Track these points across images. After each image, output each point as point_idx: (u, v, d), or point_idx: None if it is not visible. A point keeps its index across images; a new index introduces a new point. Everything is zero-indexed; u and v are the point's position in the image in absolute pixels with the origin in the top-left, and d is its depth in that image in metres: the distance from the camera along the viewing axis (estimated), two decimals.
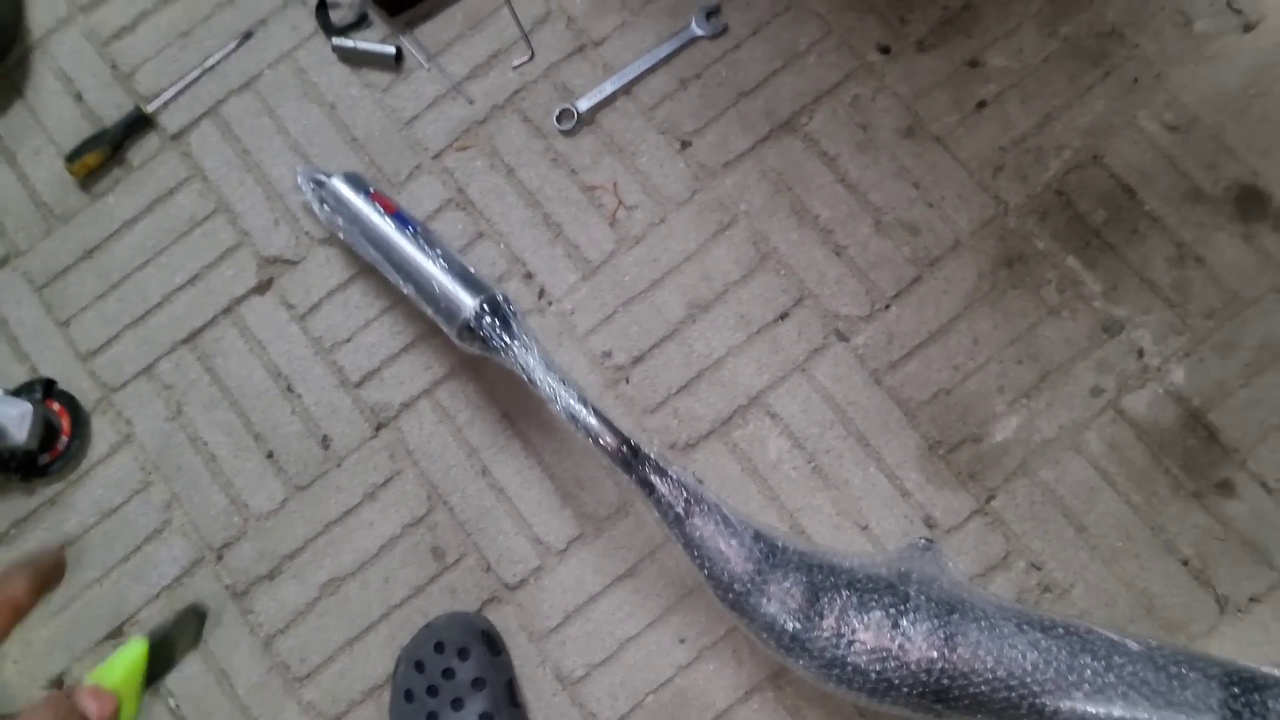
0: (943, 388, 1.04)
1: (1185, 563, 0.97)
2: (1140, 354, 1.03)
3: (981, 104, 1.10)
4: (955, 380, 1.04)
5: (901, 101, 1.11)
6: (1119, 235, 1.05)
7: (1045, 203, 1.07)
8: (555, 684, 1.00)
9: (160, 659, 0.54)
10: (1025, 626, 0.87)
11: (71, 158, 1.15)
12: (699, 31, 1.14)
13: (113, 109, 1.19)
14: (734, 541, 0.89)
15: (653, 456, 0.89)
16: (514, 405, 1.07)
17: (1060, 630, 0.87)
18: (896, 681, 0.86)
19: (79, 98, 1.21)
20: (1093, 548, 0.99)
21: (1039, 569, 0.99)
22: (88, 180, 1.17)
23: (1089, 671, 0.84)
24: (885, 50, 1.13)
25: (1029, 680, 0.84)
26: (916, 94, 1.11)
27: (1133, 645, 0.85)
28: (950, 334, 1.05)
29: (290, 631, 1.04)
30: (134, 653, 0.52)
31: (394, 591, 1.04)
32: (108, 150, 1.16)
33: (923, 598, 0.88)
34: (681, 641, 1.00)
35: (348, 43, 1.17)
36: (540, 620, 1.02)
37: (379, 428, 1.08)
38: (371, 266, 1.06)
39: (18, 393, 1.09)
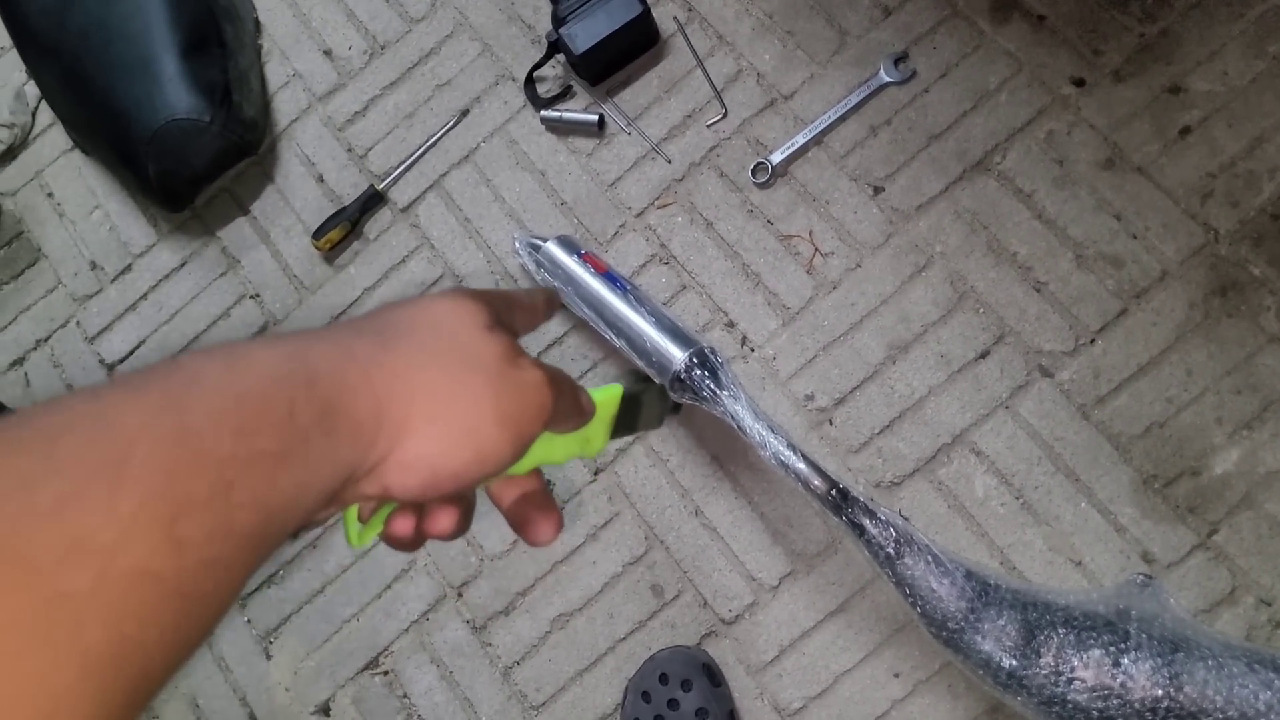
0: (1156, 421, 1.04)
1: None
2: None
3: (1185, 130, 1.11)
4: (1169, 413, 1.04)
5: (1099, 133, 1.13)
6: None
7: (1259, 227, 1.06)
8: (774, 715, 1.06)
9: (629, 413, 0.57)
10: (1257, 666, 0.87)
11: (317, 234, 1.31)
12: (887, 78, 1.19)
13: (350, 188, 1.35)
14: (946, 580, 0.93)
15: (861, 499, 0.95)
16: (722, 449, 1.14)
17: None
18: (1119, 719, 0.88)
19: (321, 179, 1.37)
20: None
21: (1269, 605, 0.98)
22: (331, 254, 1.33)
23: None
24: (1080, 83, 1.15)
25: None
26: (1115, 125, 1.12)
27: None
28: (1161, 366, 1.05)
29: (526, 663, 1.15)
30: (612, 392, 0.55)
31: (618, 626, 1.13)
32: (347, 226, 1.31)
33: (1144, 635, 0.90)
34: (896, 676, 1.05)
35: (554, 114, 1.28)
36: (756, 654, 1.08)
37: (598, 472, 1.18)
38: (585, 322, 1.16)
39: None
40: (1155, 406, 1.05)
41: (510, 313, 0.46)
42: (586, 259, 1.15)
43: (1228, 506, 1.01)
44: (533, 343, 1.23)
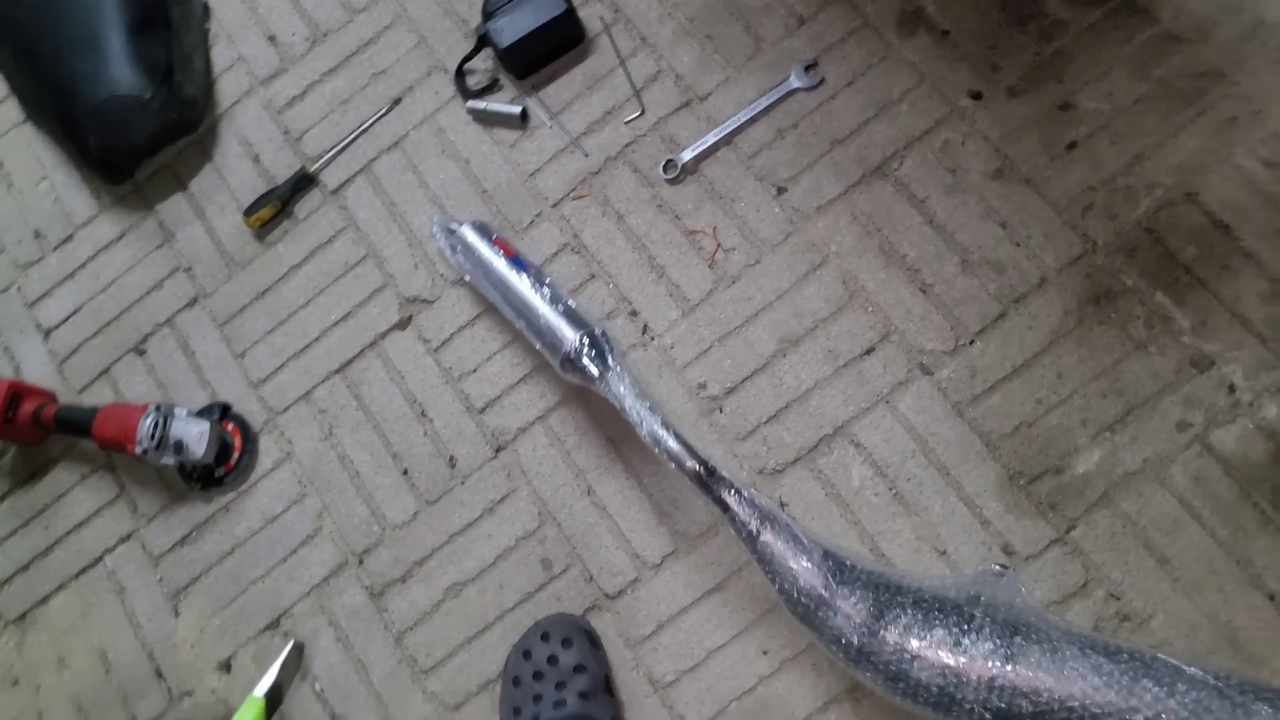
0: (1025, 420, 1.10)
1: (1272, 597, 1.00)
2: (1231, 389, 1.06)
3: (1072, 145, 1.17)
4: (1038, 413, 1.10)
5: (991, 145, 1.19)
6: (1210, 271, 1.09)
7: (1134, 240, 1.12)
8: (648, 686, 1.12)
9: (273, 701, 0.63)
10: (1089, 650, 0.92)
11: (248, 212, 1.38)
12: (797, 84, 1.26)
13: (284, 168, 1.41)
14: (804, 558, 0.99)
15: (727, 478, 1.01)
16: (617, 431, 1.20)
17: (1125, 656, 0.92)
18: (959, 698, 0.94)
19: (257, 159, 1.44)
20: (1175, 579, 1.03)
21: (1118, 598, 1.04)
22: (262, 231, 1.40)
23: (1149, 696, 0.89)
24: (977, 96, 1.21)
25: (1088, 702, 0.90)
26: (1006, 137, 1.19)
27: (1199, 674, 0.89)
28: (1034, 368, 1.11)
29: (418, 629, 1.20)
30: (253, 710, 0.60)
31: (507, 596, 1.18)
32: (278, 205, 1.38)
33: (987, 619, 0.96)
34: (765, 653, 1.10)
35: (480, 105, 1.35)
36: (636, 628, 1.14)
37: (498, 450, 1.24)
38: (493, 305, 1.22)
39: (200, 415, 1.30)
40: (1025, 407, 1.11)
41: None
42: (497, 243, 1.21)
43: (1086, 504, 1.07)
44: (441, 329, 1.29)
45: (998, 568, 1.05)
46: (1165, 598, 1.03)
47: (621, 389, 1.05)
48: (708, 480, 1.01)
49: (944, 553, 1.09)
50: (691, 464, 1.01)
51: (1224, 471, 1.04)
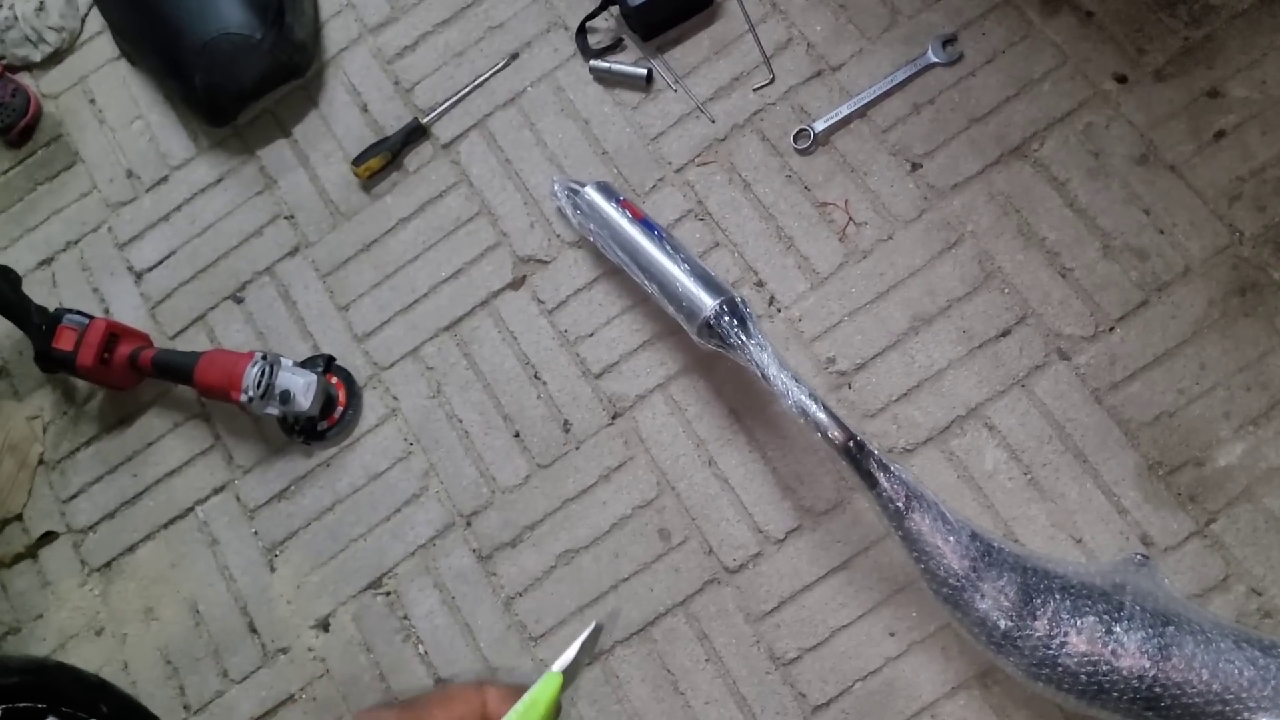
0: (1166, 410, 1.10)
1: None
2: None
3: (1220, 134, 1.16)
4: (1179, 404, 1.10)
5: (1136, 130, 1.18)
6: None
7: None
8: (769, 663, 1.11)
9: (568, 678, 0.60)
10: (1243, 644, 0.92)
11: (358, 161, 1.36)
12: (935, 59, 1.24)
13: (393, 119, 1.40)
14: (951, 538, 0.98)
15: (877, 453, 1.00)
16: (741, 403, 1.19)
17: None
18: (1107, 686, 0.93)
19: (365, 109, 1.42)
20: None
21: (1260, 594, 1.03)
22: (369, 182, 1.38)
23: None
24: (1122, 79, 1.20)
25: (1244, 696, 0.90)
26: (1152, 123, 1.18)
27: None
28: (1176, 358, 1.11)
29: (528, 595, 1.19)
30: (550, 683, 0.56)
31: (623, 566, 1.18)
32: (388, 156, 1.36)
33: (1138, 608, 0.95)
34: (892, 635, 1.09)
35: (603, 64, 1.33)
36: (757, 604, 1.13)
37: (615, 416, 1.23)
38: (616, 269, 1.21)
39: (303, 365, 1.29)
40: (1167, 396, 1.10)
41: None
42: (624, 205, 1.20)
43: (1228, 498, 1.06)
44: (557, 291, 1.28)
45: (1138, 557, 1.05)
46: None
47: (765, 357, 1.04)
48: (857, 454, 1.00)
49: (1080, 540, 1.09)
50: (841, 436, 1.00)
51: None
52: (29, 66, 1.56)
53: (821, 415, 1.01)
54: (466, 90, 1.38)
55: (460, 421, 1.27)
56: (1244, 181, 1.14)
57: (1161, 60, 1.20)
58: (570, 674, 0.56)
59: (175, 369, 1.29)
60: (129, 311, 1.42)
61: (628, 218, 1.18)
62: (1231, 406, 1.09)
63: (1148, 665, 0.92)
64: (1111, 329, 1.13)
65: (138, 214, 1.46)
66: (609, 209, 1.20)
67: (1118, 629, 0.94)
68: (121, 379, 1.34)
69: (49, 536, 1.35)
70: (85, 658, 1.30)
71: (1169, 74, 1.19)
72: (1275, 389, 1.08)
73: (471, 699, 0.51)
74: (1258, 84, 1.16)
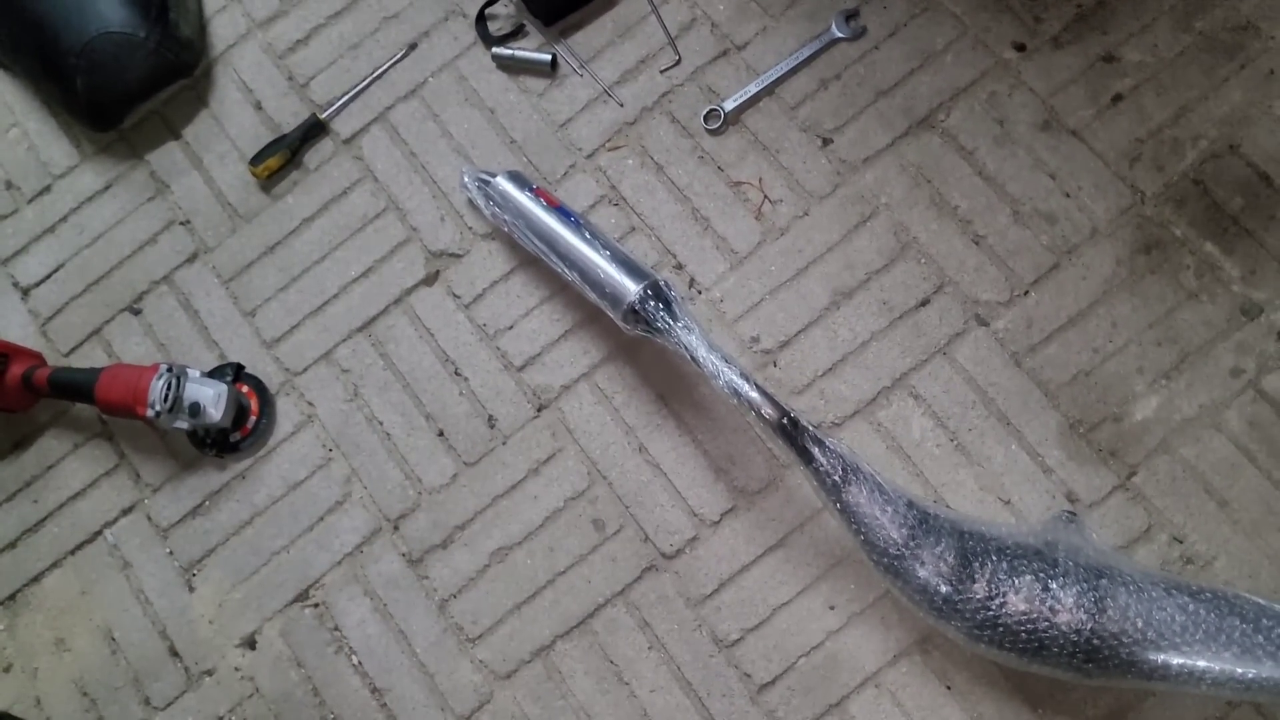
0: (1082, 369, 1.12)
1: None
2: None
3: (1117, 97, 1.19)
4: (1095, 362, 1.12)
5: (1037, 97, 1.20)
6: (1257, 221, 1.13)
7: (1182, 191, 1.15)
8: (712, 646, 1.11)
9: None
10: (1173, 591, 0.95)
11: (255, 160, 1.31)
12: (838, 34, 1.25)
13: (290, 116, 1.35)
14: (889, 508, 0.99)
15: (811, 428, 0.99)
16: (668, 387, 1.18)
17: (1208, 595, 0.95)
18: (1047, 642, 0.95)
19: (259, 106, 1.36)
20: (1235, 522, 1.06)
21: (1181, 542, 1.07)
22: (269, 183, 1.33)
23: (1238, 633, 0.92)
24: (1021, 48, 1.22)
25: (1178, 641, 0.92)
26: (1052, 89, 1.20)
27: None
28: (1089, 318, 1.13)
29: (463, 596, 1.16)
30: None
31: (558, 559, 1.16)
32: (287, 154, 1.31)
33: (1071, 563, 0.97)
34: (831, 608, 1.10)
35: (505, 51, 1.30)
36: (696, 587, 1.13)
37: (541, 408, 1.20)
38: (533, 259, 1.19)
39: (211, 376, 1.23)
40: (1082, 356, 1.13)
41: None
42: (538, 193, 1.18)
43: (1146, 451, 1.09)
44: (472, 285, 1.25)
45: (1066, 514, 1.07)
46: (1227, 540, 1.06)
47: (693, 340, 1.03)
48: (791, 431, 1.00)
49: (1008, 502, 1.10)
50: (775, 414, 1.00)
51: (1277, 415, 1.08)
52: None
53: (754, 394, 1.01)
54: (365, 83, 1.34)
55: (381, 424, 1.23)
56: (1143, 143, 1.17)
57: (1058, 28, 1.22)
58: None
59: (74, 387, 1.23)
60: (16, 330, 1.34)
61: (543, 206, 1.16)
62: (1144, 362, 1.12)
63: (1084, 619, 0.94)
64: (1026, 293, 1.15)
65: (20, 226, 1.38)
66: (523, 198, 1.17)
67: (1054, 585, 0.96)
68: (15, 401, 1.26)
69: None
70: None
71: (1066, 41, 1.22)
72: (1184, 343, 1.11)
73: None
74: (1150, 48, 1.20)
